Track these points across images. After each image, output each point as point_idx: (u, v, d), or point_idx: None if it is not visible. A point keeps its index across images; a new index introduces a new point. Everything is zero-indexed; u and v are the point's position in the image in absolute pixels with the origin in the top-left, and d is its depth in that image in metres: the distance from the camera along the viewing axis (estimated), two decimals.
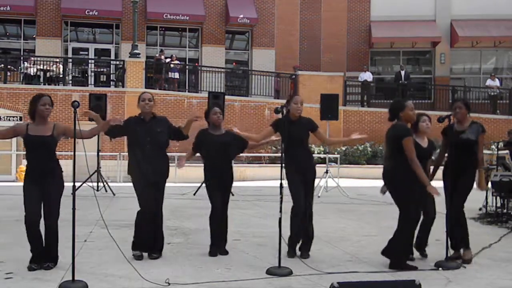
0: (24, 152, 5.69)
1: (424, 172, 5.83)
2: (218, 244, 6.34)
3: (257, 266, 5.87)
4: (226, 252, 6.36)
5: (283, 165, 6.01)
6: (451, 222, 5.96)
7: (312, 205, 6.33)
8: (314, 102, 16.73)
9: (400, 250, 5.80)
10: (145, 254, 6.16)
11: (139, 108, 6.12)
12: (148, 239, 6.12)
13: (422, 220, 6.23)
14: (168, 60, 21.35)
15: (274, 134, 6.45)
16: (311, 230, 6.34)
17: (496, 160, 10.71)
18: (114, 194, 12.54)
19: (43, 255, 5.58)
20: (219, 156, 6.33)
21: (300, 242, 6.33)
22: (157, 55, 22.27)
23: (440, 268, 5.78)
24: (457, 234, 6.14)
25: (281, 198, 5.71)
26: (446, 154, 6.40)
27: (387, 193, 6.00)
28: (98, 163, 13.58)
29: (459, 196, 6.11)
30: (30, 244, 5.55)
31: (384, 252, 5.94)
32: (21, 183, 5.68)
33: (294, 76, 21.55)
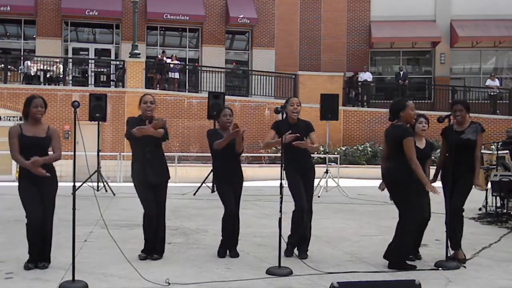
0: None
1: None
2: (228, 246, 6.34)
3: (257, 266, 5.88)
4: (237, 255, 6.33)
5: (283, 166, 6.00)
6: (451, 222, 5.96)
7: (312, 206, 6.33)
8: (314, 102, 16.73)
9: (400, 250, 5.80)
10: None
11: (140, 110, 6.08)
12: (153, 240, 6.13)
13: None
14: (168, 60, 21.36)
15: (276, 136, 6.29)
16: (308, 230, 6.34)
17: (496, 160, 10.70)
18: (114, 194, 12.54)
19: (40, 255, 5.59)
20: (228, 157, 6.27)
21: (298, 242, 6.34)
22: (159, 56, 22.29)
23: (440, 268, 5.78)
24: (460, 234, 6.15)
25: (281, 198, 5.72)
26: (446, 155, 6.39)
27: (386, 192, 6.01)
28: (98, 163, 13.57)
29: (460, 197, 6.12)
30: (30, 244, 5.54)
31: (386, 256, 5.96)
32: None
33: (294, 76, 21.56)
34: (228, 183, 6.29)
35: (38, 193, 5.48)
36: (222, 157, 6.29)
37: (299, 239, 6.29)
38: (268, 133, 6.35)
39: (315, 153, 18.60)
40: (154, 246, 6.15)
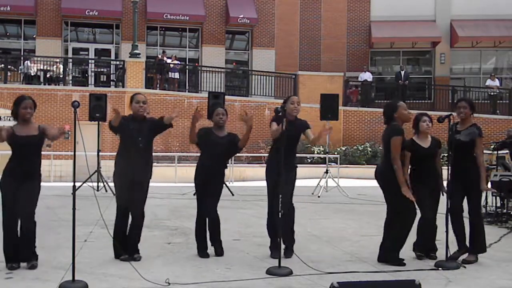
0: None
1: (428, 172, 6.09)
2: (206, 246, 6.35)
3: (257, 266, 5.88)
4: (222, 253, 6.34)
5: (267, 162, 5.98)
6: (455, 225, 6.00)
7: (292, 200, 6.27)
8: (314, 102, 16.73)
9: (393, 244, 5.94)
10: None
11: (132, 109, 6.06)
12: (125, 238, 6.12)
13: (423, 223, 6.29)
14: (168, 60, 21.37)
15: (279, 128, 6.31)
16: (292, 223, 6.30)
17: (496, 160, 10.70)
18: (114, 194, 12.52)
19: (17, 253, 5.58)
20: (214, 157, 6.26)
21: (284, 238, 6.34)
22: (159, 56, 22.29)
23: (440, 268, 5.79)
24: (473, 237, 6.15)
25: (280, 198, 5.72)
26: None
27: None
28: (98, 163, 13.56)
29: (475, 199, 6.15)
30: (7, 244, 5.55)
31: (380, 259, 6.03)
32: None
33: (294, 76, 21.58)
34: (204, 184, 6.29)
35: (17, 192, 5.47)
36: (205, 154, 6.31)
37: (284, 235, 6.25)
38: (271, 126, 6.26)
39: (315, 152, 18.61)
40: (131, 246, 6.06)
